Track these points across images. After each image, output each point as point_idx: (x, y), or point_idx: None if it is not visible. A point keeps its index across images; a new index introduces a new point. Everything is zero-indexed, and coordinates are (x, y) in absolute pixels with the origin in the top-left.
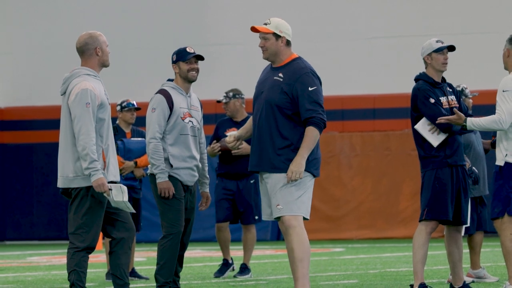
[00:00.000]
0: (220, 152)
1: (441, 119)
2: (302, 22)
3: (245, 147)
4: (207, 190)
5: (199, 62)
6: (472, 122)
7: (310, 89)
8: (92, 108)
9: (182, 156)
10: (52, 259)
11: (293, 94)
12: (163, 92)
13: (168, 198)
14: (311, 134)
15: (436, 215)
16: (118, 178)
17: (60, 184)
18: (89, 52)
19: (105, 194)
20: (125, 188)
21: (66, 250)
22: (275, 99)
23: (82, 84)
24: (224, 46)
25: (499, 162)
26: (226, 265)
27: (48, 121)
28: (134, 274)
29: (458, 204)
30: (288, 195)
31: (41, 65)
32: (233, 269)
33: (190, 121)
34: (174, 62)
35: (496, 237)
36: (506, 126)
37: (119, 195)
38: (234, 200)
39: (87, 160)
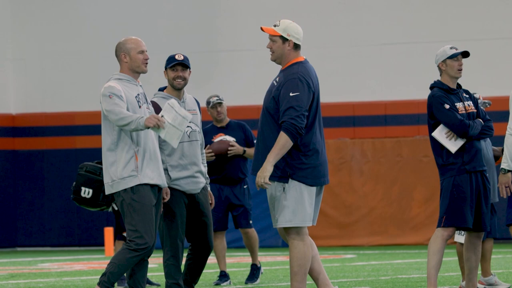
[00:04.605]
0: (214, 158)
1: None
2: (313, 28)
3: (237, 148)
4: (208, 188)
5: (211, 68)
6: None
7: (291, 94)
8: (116, 98)
9: (181, 165)
10: (63, 265)
11: (279, 99)
12: (152, 104)
13: None
14: (279, 140)
15: (454, 222)
16: (159, 182)
17: (106, 191)
18: (118, 58)
19: (158, 132)
20: (173, 101)
21: (76, 257)
22: (267, 104)
23: (106, 84)
24: (235, 53)
25: None
26: (224, 276)
27: (60, 127)
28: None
29: (479, 210)
30: (283, 206)
31: (53, 71)
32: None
33: (188, 126)
34: (164, 69)
35: (507, 243)
36: None
37: (171, 114)
38: (228, 205)
39: (127, 120)
